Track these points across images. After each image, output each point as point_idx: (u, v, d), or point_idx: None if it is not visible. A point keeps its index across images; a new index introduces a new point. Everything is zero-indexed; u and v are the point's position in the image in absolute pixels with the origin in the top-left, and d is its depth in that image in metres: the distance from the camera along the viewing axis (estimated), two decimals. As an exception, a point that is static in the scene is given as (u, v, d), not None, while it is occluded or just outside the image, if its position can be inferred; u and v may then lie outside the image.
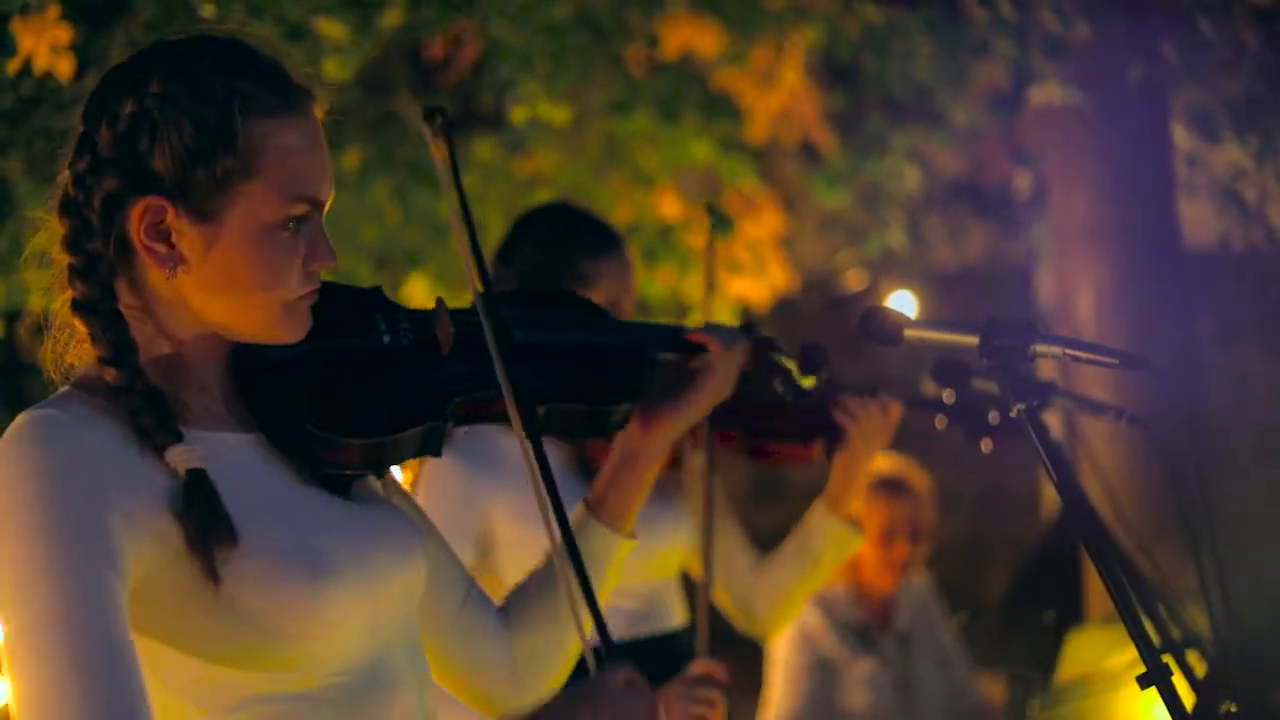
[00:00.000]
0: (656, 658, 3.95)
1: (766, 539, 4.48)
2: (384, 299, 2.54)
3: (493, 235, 7.21)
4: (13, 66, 4.49)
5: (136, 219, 2.22)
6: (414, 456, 2.44)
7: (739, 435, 4.14)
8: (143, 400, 2.19)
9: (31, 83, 4.75)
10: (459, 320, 2.53)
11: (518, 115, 6.71)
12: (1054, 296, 6.79)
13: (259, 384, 2.34)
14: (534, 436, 2.36)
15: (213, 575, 2.13)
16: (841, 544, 4.25)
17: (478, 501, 3.79)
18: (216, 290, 2.25)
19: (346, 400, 2.38)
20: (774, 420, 4.16)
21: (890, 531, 6.30)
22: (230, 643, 2.17)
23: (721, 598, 4.35)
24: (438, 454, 2.48)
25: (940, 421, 4.29)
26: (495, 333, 2.38)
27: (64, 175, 2.29)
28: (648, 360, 2.83)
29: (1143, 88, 5.76)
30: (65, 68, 4.56)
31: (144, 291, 2.27)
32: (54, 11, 4.47)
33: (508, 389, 2.37)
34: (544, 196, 7.18)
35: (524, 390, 2.41)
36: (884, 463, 6.24)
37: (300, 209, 2.26)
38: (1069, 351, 2.60)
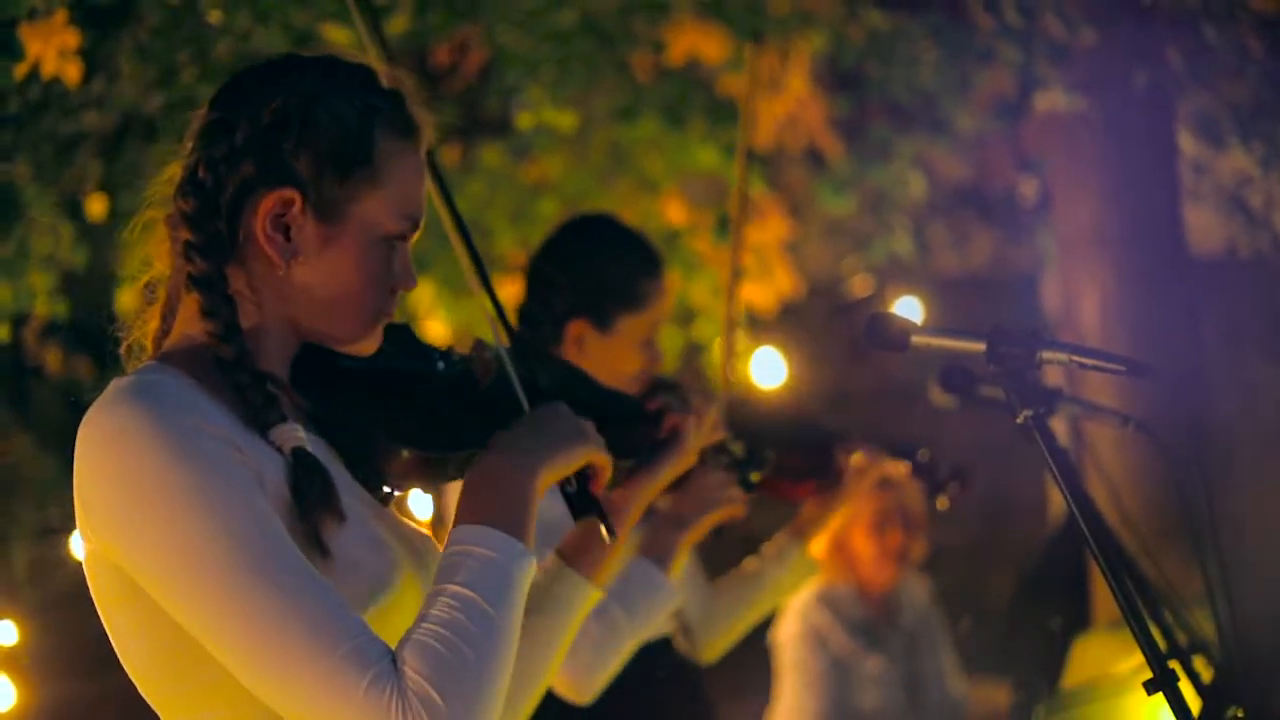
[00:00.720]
0: (645, 663, 3.98)
1: (761, 541, 4.49)
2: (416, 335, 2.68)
3: (499, 240, 7.25)
4: (20, 71, 4.49)
5: (265, 208, 2.34)
6: (454, 479, 2.52)
7: None
8: (250, 378, 2.29)
9: (39, 87, 4.76)
10: (499, 361, 2.64)
11: (523, 121, 6.72)
12: (1059, 303, 6.79)
13: (328, 388, 2.44)
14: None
15: (323, 548, 2.22)
16: (801, 574, 4.30)
17: None
18: (318, 288, 2.38)
19: (406, 415, 2.50)
20: (782, 458, 4.18)
21: (881, 520, 6.33)
22: None
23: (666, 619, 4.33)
24: None
25: (905, 469, 4.36)
26: (523, 377, 2.56)
27: (190, 155, 2.39)
28: (640, 426, 2.99)
29: (1148, 94, 5.75)
30: (73, 73, 4.57)
31: (248, 278, 2.38)
32: (62, 16, 4.48)
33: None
34: (550, 203, 7.19)
35: None
36: None
37: (404, 227, 2.42)
38: (1075, 358, 2.60)
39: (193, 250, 2.35)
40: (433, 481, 2.52)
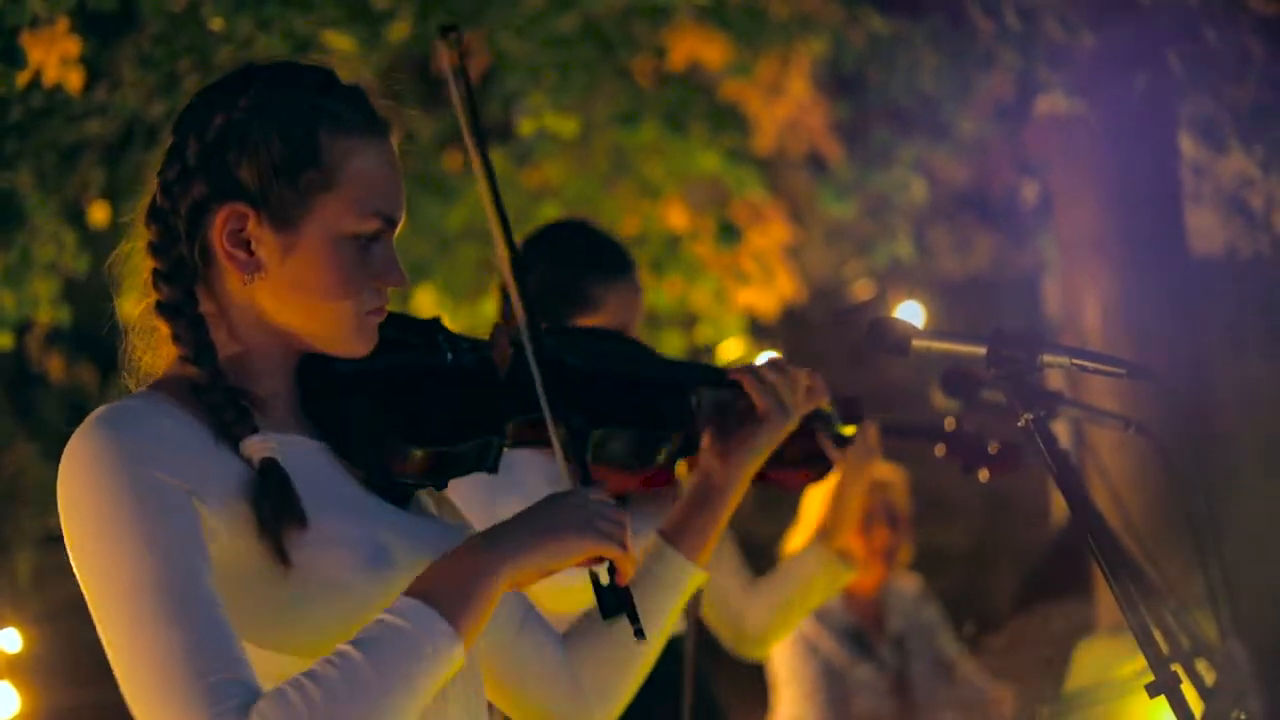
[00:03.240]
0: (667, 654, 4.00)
1: (768, 550, 4.49)
2: (444, 327, 2.64)
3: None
4: (22, 79, 4.50)
5: (220, 225, 2.34)
6: (471, 470, 2.51)
7: None
8: (224, 396, 2.30)
9: (41, 95, 4.77)
10: (516, 344, 2.59)
11: (525, 127, 6.72)
12: (1060, 306, 6.80)
13: (327, 393, 2.43)
14: (579, 458, 2.43)
15: (283, 557, 2.22)
16: (832, 575, 4.25)
17: (500, 513, 3.75)
18: (290, 297, 2.37)
19: (412, 411, 2.48)
20: (783, 446, 4.16)
21: (867, 519, 6.29)
22: (296, 630, 2.25)
23: (710, 614, 4.36)
24: (493, 470, 2.54)
25: (939, 450, 4.27)
26: (538, 355, 2.45)
27: (152, 184, 2.39)
28: (690, 395, 2.88)
29: (1148, 97, 5.76)
30: (75, 80, 4.58)
31: (221, 297, 2.39)
32: (63, 24, 4.49)
33: (548, 411, 2.44)
34: (552, 208, 7.20)
35: (575, 415, 2.49)
36: None
37: (374, 225, 2.38)
38: (1077, 361, 2.60)
39: (158, 278, 2.37)
40: (444, 478, 2.49)
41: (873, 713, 6.25)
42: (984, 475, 4.24)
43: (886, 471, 6.37)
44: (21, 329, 5.80)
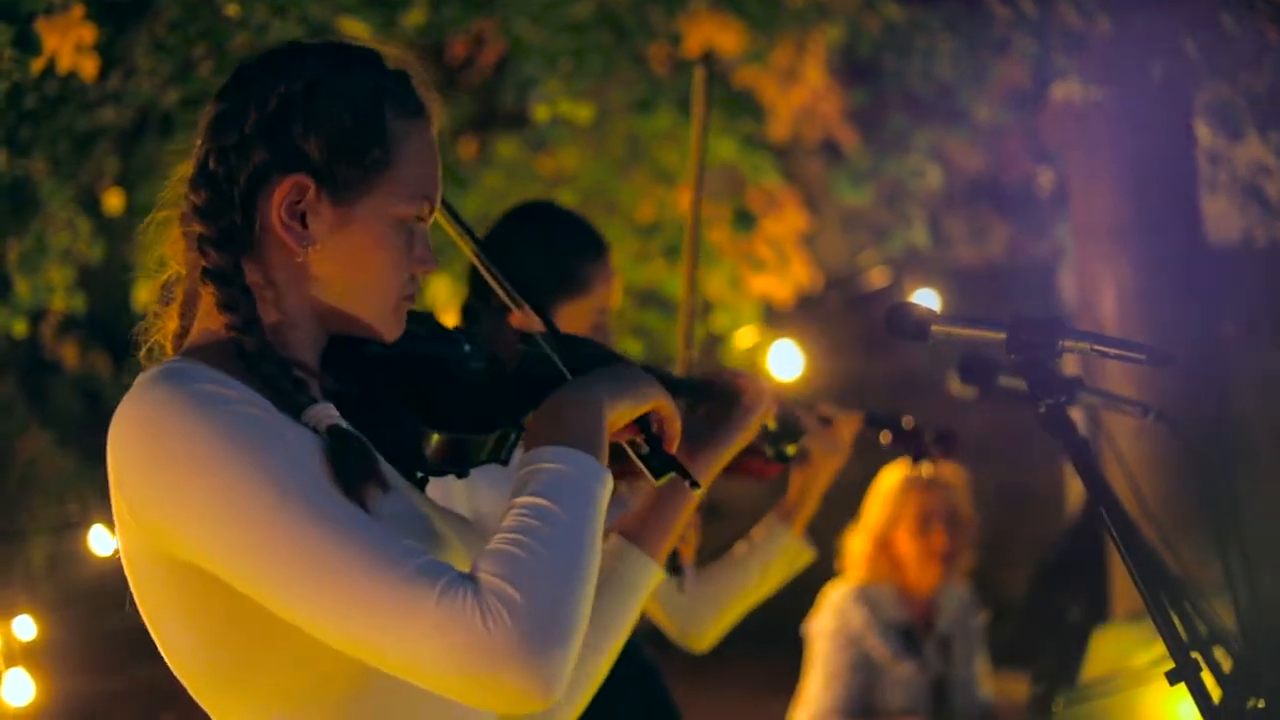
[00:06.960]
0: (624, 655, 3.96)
1: (709, 559, 4.39)
2: (463, 333, 2.69)
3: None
4: (37, 66, 4.50)
5: (280, 195, 2.32)
6: (488, 461, 2.55)
7: None
8: (277, 366, 2.27)
9: (56, 82, 4.77)
10: (527, 341, 2.65)
11: (540, 114, 6.73)
12: (1076, 293, 6.78)
13: (353, 376, 2.44)
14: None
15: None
16: (791, 557, 4.16)
17: (481, 501, 3.71)
18: (336, 274, 2.35)
19: (434, 399, 2.50)
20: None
21: (925, 520, 6.28)
22: None
23: (653, 610, 4.18)
24: (506, 462, 2.58)
25: (885, 437, 4.24)
26: (557, 349, 2.56)
27: (200, 149, 2.36)
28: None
29: (1164, 84, 5.74)
30: (89, 67, 4.58)
31: (267, 268, 2.36)
32: (78, 11, 4.49)
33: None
34: (567, 194, 7.20)
35: None
36: None
37: (420, 208, 2.40)
38: (1096, 347, 2.59)
39: (207, 243, 2.31)
40: (464, 465, 2.52)
41: (908, 707, 6.24)
42: (926, 469, 4.25)
43: (950, 473, 6.35)
44: (36, 316, 5.81)
